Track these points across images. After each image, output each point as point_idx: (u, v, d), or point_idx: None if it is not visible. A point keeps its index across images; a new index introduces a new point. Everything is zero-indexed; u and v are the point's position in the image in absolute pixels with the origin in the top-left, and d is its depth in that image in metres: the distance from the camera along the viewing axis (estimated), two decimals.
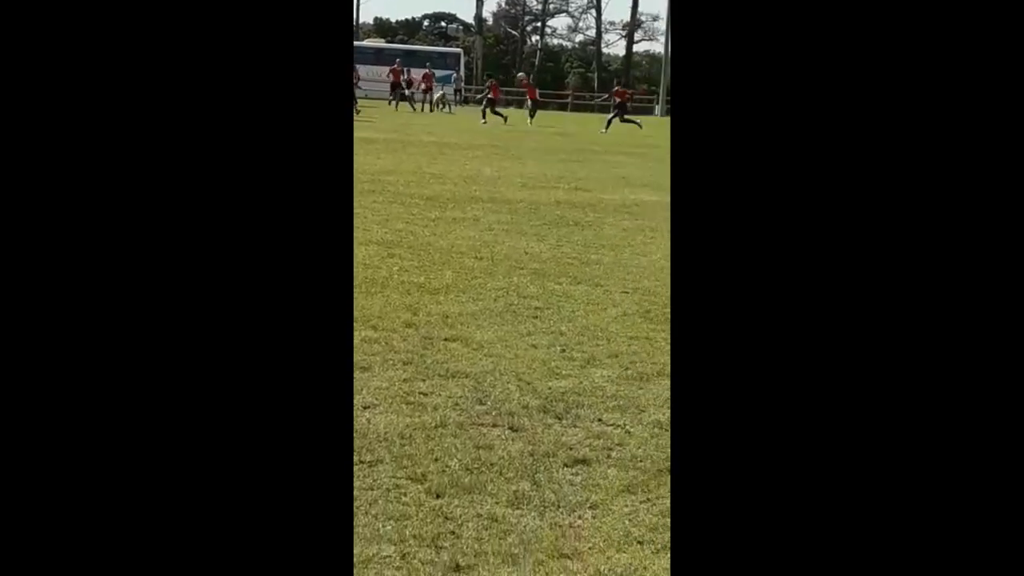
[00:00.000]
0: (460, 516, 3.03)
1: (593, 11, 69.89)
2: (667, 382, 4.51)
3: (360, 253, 6.96)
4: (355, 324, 4.94)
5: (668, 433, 3.84)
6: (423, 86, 35.81)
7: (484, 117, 29.11)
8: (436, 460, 3.45)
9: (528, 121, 29.18)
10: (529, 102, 32.71)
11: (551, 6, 71.50)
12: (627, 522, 3.05)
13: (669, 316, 5.75)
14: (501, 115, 29.69)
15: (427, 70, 36.54)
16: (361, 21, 66.27)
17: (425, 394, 4.15)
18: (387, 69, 36.21)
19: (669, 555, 2.83)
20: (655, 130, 31.97)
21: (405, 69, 35.73)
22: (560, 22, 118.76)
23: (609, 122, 28.72)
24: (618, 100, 30.48)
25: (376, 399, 4.05)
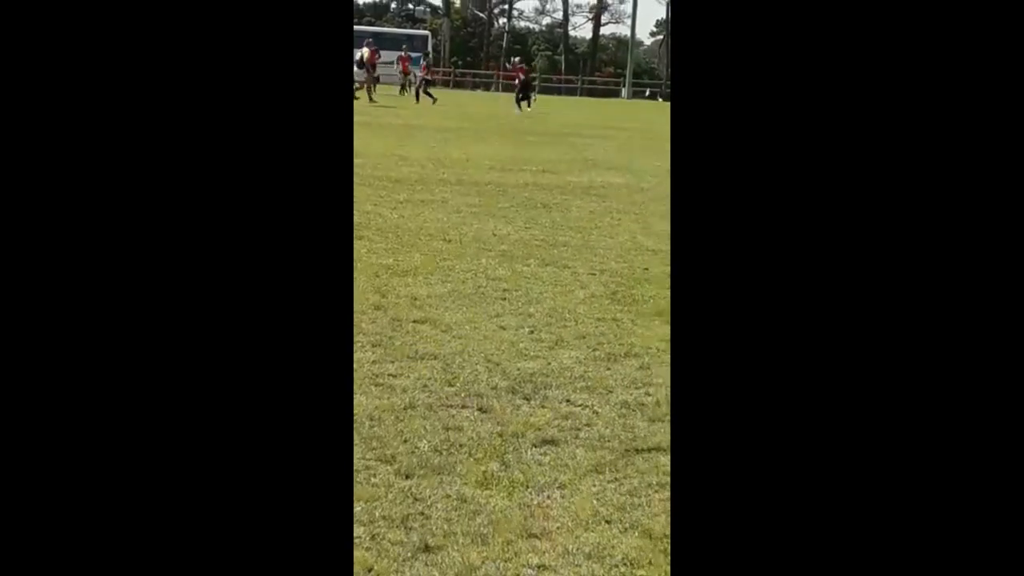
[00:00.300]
0: (429, 497, 3.04)
1: None
2: (634, 362, 4.54)
3: None
4: None
5: (635, 413, 3.87)
6: (399, 69, 35.08)
7: (519, 106, 27.63)
8: (405, 441, 3.46)
9: (526, 106, 27.91)
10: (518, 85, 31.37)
11: None
12: (595, 502, 3.07)
13: (635, 297, 5.80)
14: (529, 100, 28.59)
15: (403, 53, 35.91)
16: None
17: (394, 376, 4.15)
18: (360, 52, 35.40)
19: (637, 534, 2.86)
20: (623, 111, 31.99)
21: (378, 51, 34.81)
22: (527, 4, 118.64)
23: (520, 101, 28.01)
24: (522, 78, 29.72)
25: None
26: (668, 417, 3.84)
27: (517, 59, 29.07)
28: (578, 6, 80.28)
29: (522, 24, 74.02)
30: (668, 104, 25.68)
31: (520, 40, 69.73)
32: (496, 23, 71.38)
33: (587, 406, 3.94)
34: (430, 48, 49.72)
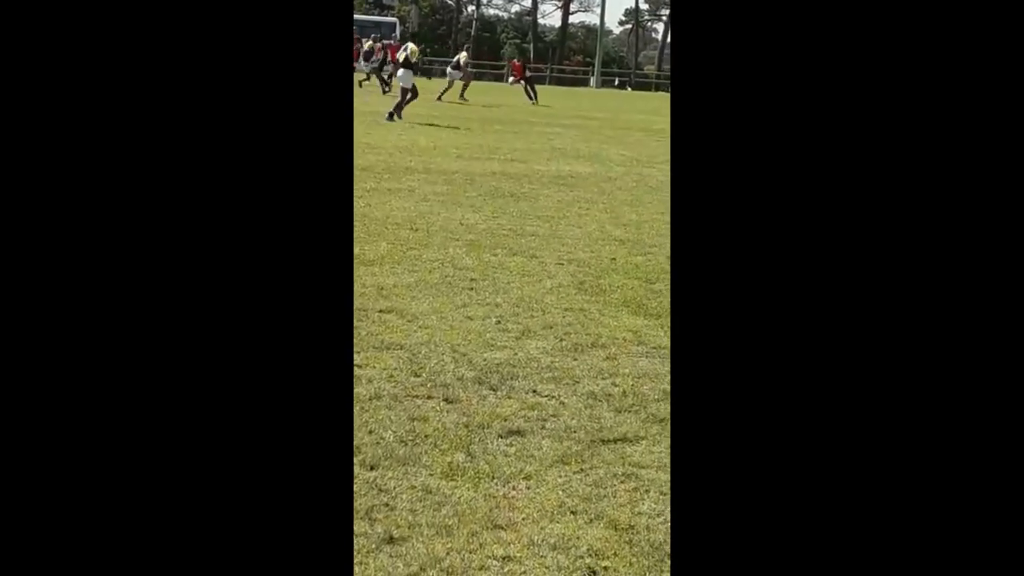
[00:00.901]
0: (394, 488, 3.03)
1: None
2: (601, 352, 4.54)
3: None
4: None
5: (602, 404, 3.87)
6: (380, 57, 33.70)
7: (534, 97, 27.60)
8: (370, 432, 3.44)
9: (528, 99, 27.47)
10: (522, 82, 30.32)
11: None
12: (561, 492, 3.07)
13: (603, 287, 5.81)
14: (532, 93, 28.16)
15: (391, 41, 34.95)
16: None
17: (360, 366, 4.13)
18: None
19: (602, 525, 2.86)
20: (591, 101, 32.00)
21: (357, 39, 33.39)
22: None
23: (531, 94, 28.00)
24: (527, 75, 29.79)
25: None
26: (634, 407, 3.85)
27: (515, 59, 28.33)
28: None
29: (491, 12, 73.89)
30: (636, 93, 25.72)
31: (489, 28, 69.57)
32: (465, 10, 71.18)
33: (553, 396, 3.93)
34: (398, 34, 49.46)
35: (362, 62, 28.82)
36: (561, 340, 4.73)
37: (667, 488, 3.14)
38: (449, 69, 28.41)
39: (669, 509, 3.00)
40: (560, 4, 69.56)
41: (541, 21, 71.38)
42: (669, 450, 3.44)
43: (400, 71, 19.13)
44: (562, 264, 6.46)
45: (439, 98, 24.51)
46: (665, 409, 3.84)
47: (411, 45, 20.18)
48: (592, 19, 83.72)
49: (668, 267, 6.55)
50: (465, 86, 27.09)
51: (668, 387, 4.11)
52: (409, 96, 18.32)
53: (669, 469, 3.28)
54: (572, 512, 2.95)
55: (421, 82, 24.94)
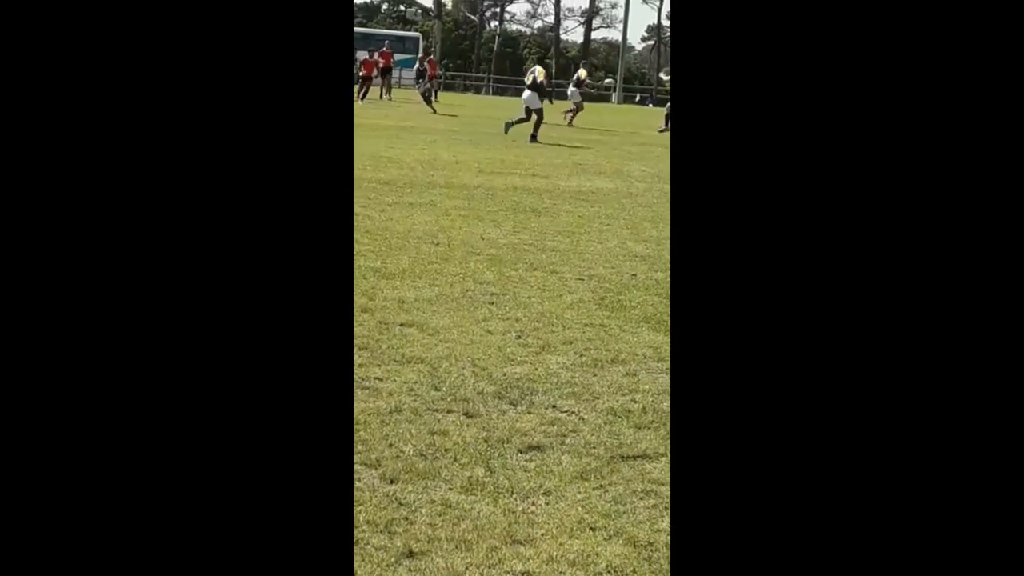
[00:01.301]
0: (414, 502, 3.03)
1: None
2: (621, 368, 4.54)
3: None
4: None
5: (622, 420, 3.86)
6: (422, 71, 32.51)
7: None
8: (390, 446, 3.45)
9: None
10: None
11: None
12: (580, 508, 3.07)
13: (623, 303, 5.80)
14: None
15: (431, 56, 34.27)
16: None
17: (380, 379, 4.14)
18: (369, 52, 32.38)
19: (621, 542, 2.86)
20: (613, 116, 32.02)
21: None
22: (519, 8, 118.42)
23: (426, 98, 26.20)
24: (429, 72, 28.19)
25: None
26: (654, 424, 3.84)
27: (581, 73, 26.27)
28: (570, 10, 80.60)
29: (514, 27, 74.16)
30: (658, 109, 25.67)
31: (512, 43, 69.79)
32: (487, 26, 71.43)
33: (573, 412, 3.93)
34: (420, 50, 49.63)
35: (417, 81, 27.50)
36: (581, 355, 4.73)
37: None
38: (571, 88, 26.50)
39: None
40: (583, 20, 69.75)
41: (564, 37, 71.53)
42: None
43: (527, 93, 19.37)
44: (582, 279, 6.46)
45: (570, 123, 23.43)
46: None
47: (539, 68, 20.31)
48: (615, 35, 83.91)
49: None
50: (577, 109, 25.18)
51: None
52: (539, 117, 18.69)
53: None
54: (591, 528, 2.94)
55: (444, 97, 25.01)
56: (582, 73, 27.23)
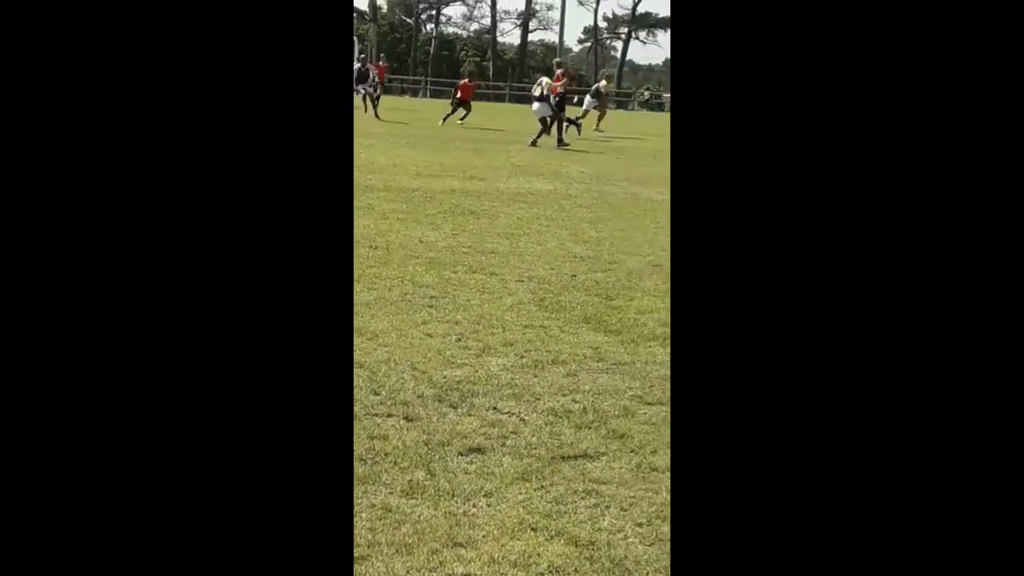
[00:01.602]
0: (354, 506, 3.01)
1: (488, 0, 69.83)
2: (561, 369, 4.55)
3: None
4: None
5: (562, 420, 3.87)
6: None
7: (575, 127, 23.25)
8: None
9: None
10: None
11: None
12: (521, 509, 3.07)
13: (563, 304, 5.81)
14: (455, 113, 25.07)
15: (380, 61, 33.67)
16: None
17: None
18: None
19: (562, 541, 2.86)
20: None
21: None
22: (455, 10, 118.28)
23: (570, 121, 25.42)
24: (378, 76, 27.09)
25: None
26: (594, 424, 3.85)
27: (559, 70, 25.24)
28: (506, 12, 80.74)
29: (450, 30, 74.05)
30: (596, 112, 25.72)
31: (448, 46, 69.71)
32: (424, 28, 71.28)
33: (514, 413, 3.93)
34: (356, 52, 49.33)
35: (359, 85, 26.63)
36: (521, 357, 4.73)
37: (627, 504, 3.14)
38: (588, 97, 26.42)
39: (629, 525, 3.00)
40: (519, 22, 69.89)
41: (500, 39, 71.57)
42: (630, 466, 3.45)
43: (536, 104, 19.87)
44: (522, 281, 6.47)
45: (576, 126, 22.94)
46: (625, 425, 3.85)
47: (545, 79, 20.55)
48: (551, 37, 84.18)
49: (628, 283, 6.58)
50: (601, 116, 25.46)
51: (628, 403, 4.12)
52: (551, 122, 19.37)
53: (629, 485, 3.29)
54: (533, 529, 2.94)
55: (381, 100, 24.90)
56: (603, 84, 27.32)
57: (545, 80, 20.32)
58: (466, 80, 28.47)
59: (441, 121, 23.75)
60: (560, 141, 18.83)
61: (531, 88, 21.47)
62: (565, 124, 20.27)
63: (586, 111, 25.37)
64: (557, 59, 31.64)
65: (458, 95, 25.52)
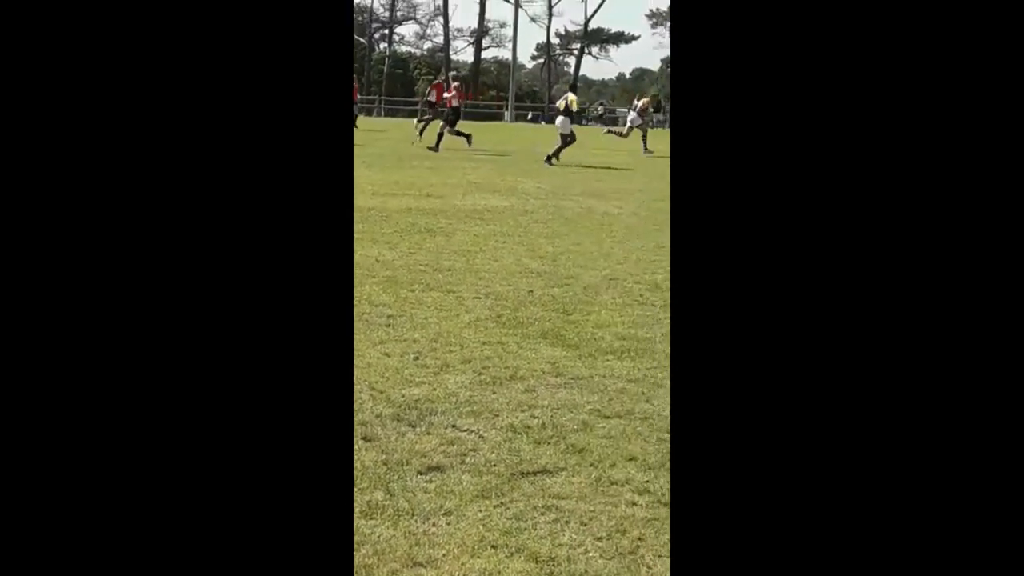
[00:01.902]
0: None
1: (440, 18, 69.83)
2: (519, 385, 4.55)
3: None
4: None
5: (521, 436, 3.86)
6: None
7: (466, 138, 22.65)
8: None
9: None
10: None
11: (399, 13, 71.40)
12: (481, 527, 3.06)
13: (520, 320, 5.82)
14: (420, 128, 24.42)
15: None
16: None
17: None
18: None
19: (523, 558, 2.85)
20: (506, 134, 32.16)
21: None
22: (408, 29, 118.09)
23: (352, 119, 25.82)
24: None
25: None
26: (553, 439, 3.85)
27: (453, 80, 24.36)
28: (459, 30, 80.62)
29: (403, 49, 74.03)
30: (549, 126, 25.72)
31: (402, 65, 69.69)
32: (376, 48, 71.25)
33: (473, 431, 3.92)
34: None
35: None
36: (479, 374, 4.72)
37: (587, 518, 3.15)
38: (631, 114, 26.29)
39: (589, 539, 3.01)
40: (472, 40, 70.05)
41: (454, 57, 71.59)
42: (589, 480, 3.45)
43: (560, 119, 20.00)
44: (479, 298, 6.47)
45: (644, 146, 23.16)
46: (584, 439, 3.85)
47: (570, 94, 20.65)
48: (504, 54, 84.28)
49: (585, 298, 6.60)
50: (644, 135, 24.61)
51: (586, 417, 4.13)
52: (569, 140, 19.43)
53: (588, 499, 3.29)
54: (493, 546, 2.94)
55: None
56: (644, 101, 27.07)
57: (570, 95, 20.47)
58: (440, 80, 27.45)
59: (418, 136, 23.61)
60: (435, 146, 18.90)
61: (556, 104, 21.59)
62: (449, 132, 20.43)
63: (630, 128, 25.21)
64: (453, 71, 31.34)
65: (431, 96, 25.06)
